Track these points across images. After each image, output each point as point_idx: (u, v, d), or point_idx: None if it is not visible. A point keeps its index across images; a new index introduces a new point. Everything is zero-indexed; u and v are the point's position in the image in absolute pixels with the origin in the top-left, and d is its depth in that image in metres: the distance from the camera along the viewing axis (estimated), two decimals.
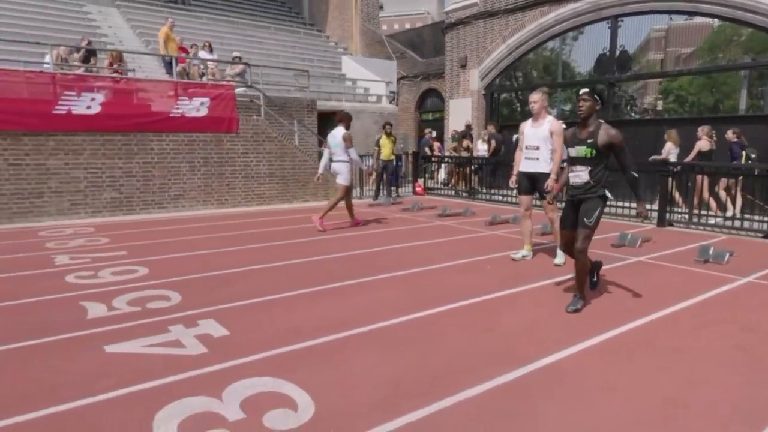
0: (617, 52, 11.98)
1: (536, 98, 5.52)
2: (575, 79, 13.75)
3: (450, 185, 13.30)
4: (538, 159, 5.60)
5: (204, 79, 11.72)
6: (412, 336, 3.52)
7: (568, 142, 4.14)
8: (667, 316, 3.95)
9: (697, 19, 11.53)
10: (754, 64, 10.60)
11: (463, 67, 15.35)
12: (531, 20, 13.40)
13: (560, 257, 5.53)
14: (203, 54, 12.51)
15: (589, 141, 3.96)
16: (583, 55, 13.17)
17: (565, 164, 4.48)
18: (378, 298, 4.37)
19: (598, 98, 4.00)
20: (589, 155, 3.97)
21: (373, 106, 15.82)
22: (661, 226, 8.34)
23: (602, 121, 4.09)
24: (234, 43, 16.56)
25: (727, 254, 5.83)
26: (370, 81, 16.56)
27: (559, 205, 5.84)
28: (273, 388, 2.73)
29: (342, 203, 8.08)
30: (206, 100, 9.98)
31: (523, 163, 5.75)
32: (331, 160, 7.93)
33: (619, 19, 11.77)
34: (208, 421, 2.41)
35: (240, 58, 12.85)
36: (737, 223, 7.72)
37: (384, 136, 11.69)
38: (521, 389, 2.75)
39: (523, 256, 5.88)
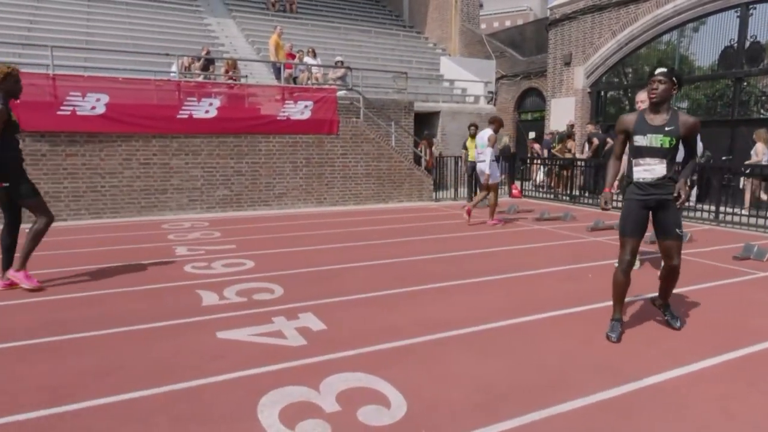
0: (747, 44, 10.78)
1: (644, 97, 5.10)
2: (694, 74, 12.58)
3: (550, 188, 12.80)
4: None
5: (309, 83, 12.31)
6: (511, 341, 3.46)
7: (635, 129, 3.48)
8: None
9: None
10: None
11: (567, 64, 14.68)
12: (645, 12, 12.49)
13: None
14: (308, 59, 13.14)
15: (667, 129, 3.39)
16: (705, 48, 12.01)
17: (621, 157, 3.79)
18: (477, 301, 4.34)
19: (675, 80, 3.44)
20: (667, 145, 3.39)
21: (470, 107, 15.65)
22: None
23: (677, 108, 3.60)
24: (337, 48, 17.21)
25: None
26: (467, 81, 16.40)
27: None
28: (367, 384, 2.82)
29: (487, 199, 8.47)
30: (310, 103, 10.48)
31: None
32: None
33: (751, 6, 10.59)
34: (306, 410, 2.55)
35: (342, 62, 13.32)
36: None
37: (470, 138, 11.54)
38: (622, 408, 2.60)
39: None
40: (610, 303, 4.26)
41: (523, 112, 18.26)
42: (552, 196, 12.16)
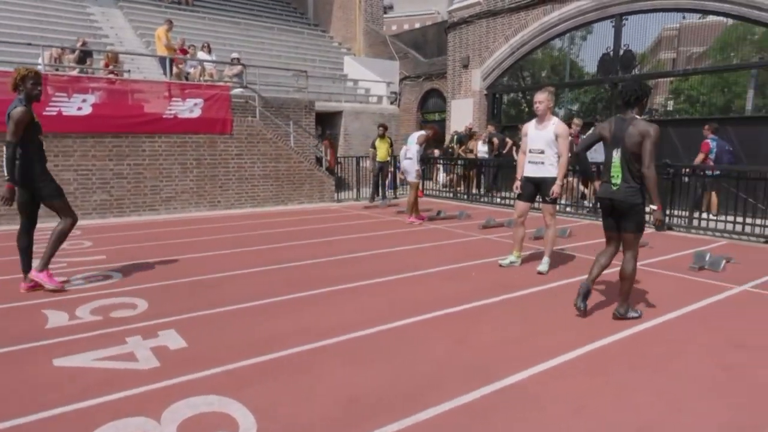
0: (621, 51, 11.70)
1: (542, 98, 5.22)
2: (583, 78, 13.48)
3: (450, 187, 13.11)
4: (542, 163, 5.28)
5: (202, 80, 11.64)
6: (388, 347, 3.36)
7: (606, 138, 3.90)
8: (652, 329, 3.74)
9: (710, 18, 11.23)
10: (762, 64, 10.29)
11: (466, 66, 15.14)
12: (534, 19, 13.16)
13: (544, 265, 5.31)
14: (201, 55, 12.44)
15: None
16: (590, 54, 12.90)
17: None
18: (358, 307, 4.21)
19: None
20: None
21: (373, 107, 15.67)
22: (660, 230, 8.07)
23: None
24: (237, 44, 16.51)
25: (723, 261, 5.59)
26: (371, 81, 16.41)
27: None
28: (218, 407, 2.58)
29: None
30: (200, 101, 9.89)
31: (527, 168, 5.40)
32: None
33: (624, 17, 11.51)
34: None
35: (238, 59, 12.76)
36: (738, 227, 7.45)
37: (379, 138, 11.56)
38: (482, 410, 2.57)
39: (511, 263, 5.67)
40: (490, 301, 4.33)
41: (427, 113, 18.63)
42: (452, 195, 12.46)
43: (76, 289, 4.70)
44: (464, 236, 7.49)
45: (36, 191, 4.41)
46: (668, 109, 12.84)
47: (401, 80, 18.66)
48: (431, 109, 18.30)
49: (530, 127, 5.39)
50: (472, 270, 5.48)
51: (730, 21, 10.83)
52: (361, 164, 12.31)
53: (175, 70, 11.06)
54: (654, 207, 3.75)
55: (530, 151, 5.35)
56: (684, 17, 11.46)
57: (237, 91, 11.42)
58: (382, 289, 4.74)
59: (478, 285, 4.89)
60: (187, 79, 11.50)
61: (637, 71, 11.86)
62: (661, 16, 11.26)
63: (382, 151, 11.69)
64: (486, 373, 2.97)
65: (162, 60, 11.70)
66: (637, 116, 3.80)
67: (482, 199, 11.93)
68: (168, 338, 3.48)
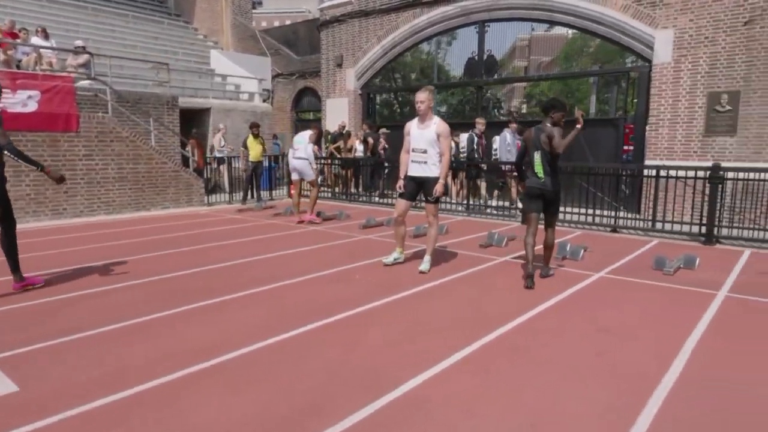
0: (485, 56, 12.41)
1: (423, 97, 5.19)
2: (450, 81, 14.10)
3: (327, 187, 12.92)
4: (425, 162, 5.26)
5: (38, 69, 10.07)
6: (267, 366, 3.03)
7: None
8: (528, 321, 3.88)
9: (555, 30, 12.37)
10: (601, 72, 11.57)
11: (339, 66, 15.04)
12: (404, 21, 13.45)
13: (426, 264, 5.35)
14: (36, 40, 10.77)
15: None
16: (457, 58, 13.52)
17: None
18: (236, 321, 3.81)
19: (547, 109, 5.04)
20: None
21: (244, 104, 14.91)
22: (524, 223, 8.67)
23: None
24: (83, 31, 14.70)
25: (582, 250, 6.10)
26: (241, 77, 15.60)
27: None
28: None
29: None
30: (36, 93, 8.52)
31: (411, 167, 5.37)
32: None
33: (486, 24, 12.21)
34: None
35: (83, 47, 11.28)
36: (589, 219, 8.26)
37: (251, 137, 11.02)
38: (377, 425, 2.40)
39: (395, 260, 5.65)
40: (376, 304, 4.19)
41: (301, 112, 18.25)
42: (330, 195, 12.27)
43: None
44: (346, 237, 7.34)
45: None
46: (523, 111, 13.95)
47: (274, 77, 18.04)
48: (306, 107, 17.96)
49: (412, 127, 5.37)
50: (357, 273, 5.33)
51: (570, 34, 12.07)
52: (233, 164, 11.61)
53: (1, 56, 9.43)
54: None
55: (413, 151, 5.34)
56: (533, 29, 12.51)
57: (84, 83, 10.07)
58: (264, 299, 4.39)
59: (364, 287, 4.75)
60: (18, 67, 9.88)
61: (497, 75, 12.69)
62: (519, 25, 12.14)
63: (255, 151, 11.17)
64: (376, 384, 2.82)
65: None
66: (548, 124, 4.85)
67: (360, 199, 11.92)
68: None
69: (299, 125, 17.95)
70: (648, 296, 4.57)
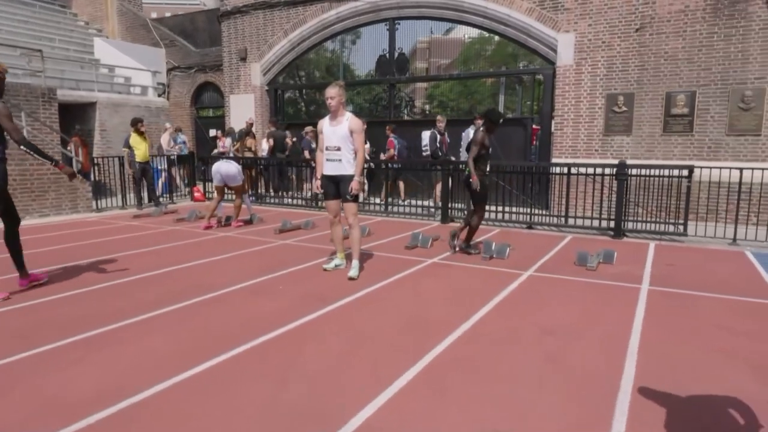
0: (396, 55, 12.29)
1: (333, 93, 4.88)
2: (357, 79, 13.81)
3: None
4: (340, 160, 4.98)
5: None
6: (176, 412, 2.49)
7: (489, 144, 6.00)
8: (473, 329, 3.67)
9: (453, 34, 12.54)
10: (510, 72, 11.91)
11: (243, 60, 14.17)
12: (312, 15, 12.94)
13: (354, 270, 5.01)
14: None
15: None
16: (365, 55, 13.26)
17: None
18: (137, 353, 3.17)
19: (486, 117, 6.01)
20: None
21: (137, 99, 13.56)
22: (445, 222, 8.63)
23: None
24: None
25: (508, 248, 6.09)
26: (132, 69, 14.17)
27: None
28: None
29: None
30: None
31: (326, 166, 5.09)
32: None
33: (397, 22, 12.08)
34: None
35: None
36: (507, 216, 8.38)
37: (135, 135, 9.99)
38: None
39: (336, 265, 5.29)
40: (305, 319, 3.78)
41: (202, 108, 17.02)
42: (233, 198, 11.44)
43: None
44: (261, 243, 6.76)
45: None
46: (426, 111, 14.06)
47: (169, 70, 16.63)
48: (207, 104, 16.75)
49: (324, 125, 5.08)
50: (279, 282, 4.83)
51: (468, 38, 12.34)
52: (125, 165, 10.42)
53: None
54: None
55: (327, 149, 5.06)
56: (432, 32, 12.59)
57: None
58: (172, 322, 3.76)
59: (290, 299, 4.28)
60: None
61: (409, 74, 12.63)
62: (425, 26, 12.14)
63: (142, 151, 10.14)
64: (320, 418, 2.42)
65: None
66: (481, 127, 6.00)
67: (271, 201, 11.27)
68: None
69: (200, 123, 16.73)
70: (580, 294, 4.57)
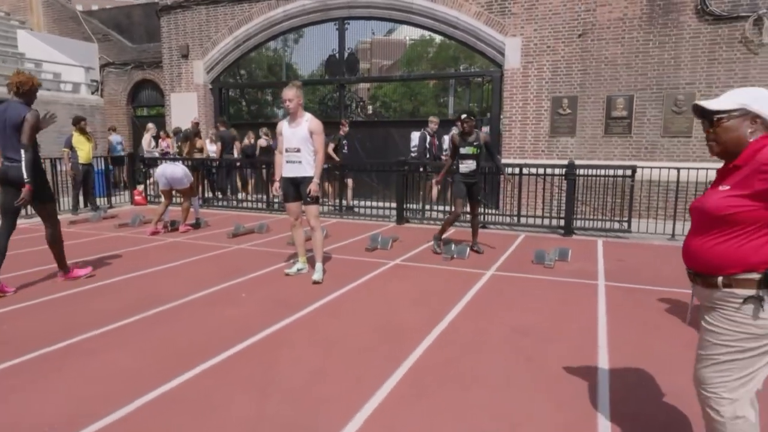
0: (346, 55, 12.19)
1: (290, 95, 4.78)
2: (303, 78, 13.57)
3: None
4: (300, 162, 4.89)
5: None
6: None
7: (459, 144, 6.01)
8: (445, 332, 3.66)
9: (394, 36, 12.63)
10: (462, 74, 12.09)
11: (185, 57, 13.59)
12: (259, 13, 12.60)
13: (318, 273, 4.91)
14: None
15: (474, 143, 5.98)
16: (311, 55, 13.06)
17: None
18: (101, 370, 2.92)
19: (474, 118, 6.03)
20: (476, 152, 6.00)
21: (68, 96, 12.69)
22: (401, 223, 8.64)
23: (477, 130, 6.03)
24: None
25: (468, 249, 6.16)
26: (62, 65, 13.25)
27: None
28: None
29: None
30: None
31: (285, 168, 4.98)
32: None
33: (346, 21, 11.98)
34: None
35: None
36: (461, 216, 8.48)
37: (77, 135, 9.39)
38: None
39: (299, 270, 5.18)
40: (274, 328, 3.64)
41: (140, 107, 16.19)
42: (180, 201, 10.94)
43: None
44: (214, 248, 6.48)
45: (40, 192, 4.54)
46: (369, 112, 14.07)
47: (103, 66, 15.70)
48: (146, 102, 15.94)
49: (284, 126, 5.00)
50: (241, 290, 4.64)
51: (409, 40, 12.46)
52: (59, 168, 9.73)
53: None
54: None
55: (286, 151, 4.97)
56: (374, 33, 12.61)
57: None
58: (133, 335, 3.51)
59: (255, 307, 4.12)
60: None
61: (360, 74, 12.56)
62: (380, 24, 12.12)
63: (85, 151, 9.55)
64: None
65: None
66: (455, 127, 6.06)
67: (219, 204, 10.88)
68: None
69: (137, 122, 15.90)
70: (542, 292, 4.69)
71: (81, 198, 9.91)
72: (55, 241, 4.84)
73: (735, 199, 1.62)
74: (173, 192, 7.66)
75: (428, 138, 9.95)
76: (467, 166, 6.03)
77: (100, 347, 3.31)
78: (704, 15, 8.86)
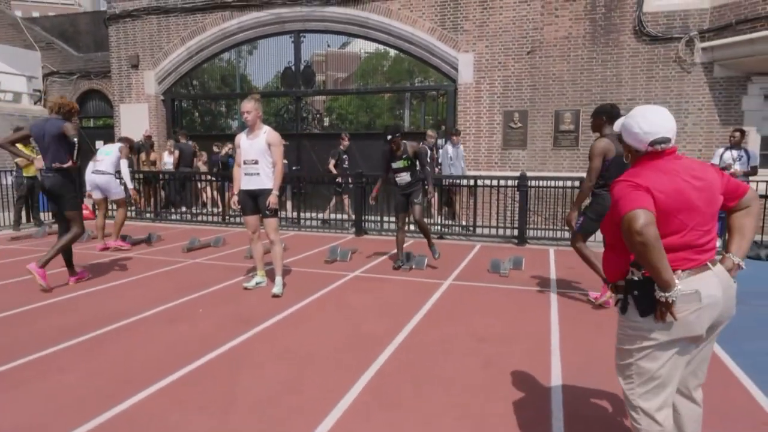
0: (302, 67, 12.21)
1: (249, 107, 4.77)
2: (259, 90, 13.46)
3: (131, 205, 11.19)
4: (258, 174, 4.87)
5: None
6: None
7: (390, 160, 5.97)
8: (409, 340, 3.73)
9: (348, 49, 12.77)
10: (416, 88, 12.32)
11: (135, 67, 13.23)
12: (212, 24, 12.45)
13: (278, 286, 4.89)
14: None
15: (404, 156, 5.90)
16: (264, 66, 13.01)
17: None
18: (50, 393, 2.80)
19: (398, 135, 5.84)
20: (407, 164, 5.92)
21: (9, 106, 12.12)
22: (359, 235, 8.69)
23: (405, 142, 5.95)
24: None
25: (425, 259, 6.27)
26: (1, 73, 12.63)
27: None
28: None
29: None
30: None
31: (244, 180, 4.95)
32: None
33: (302, 34, 12.02)
34: None
35: None
36: (412, 227, 8.62)
37: (20, 146, 8.93)
38: None
39: (258, 283, 5.13)
40: (233, 343, 3.60)
41: (86, 118, 15.59)
42: (134, 214, 10.63)
43: None
44: (169, 263, 6.32)
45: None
46: (325, 124, 14.14)
47: (46, 76, 15.06)
48: (93, 113, 15.37)
49: (242, 139, 4.99)
50: (198, 305, 4.55)
51: (364, 53, 12.64)
52: (5, 181, 9.25)
53: None
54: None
55: (245, 163, 4.94)
56: (329, 45, 12.72)
57: None
58: (84, 355, 3.38)
59: (213, 323, 4.05)
60: None
61: (316, 87, 12.60)
62: (335, 38, 12.22)
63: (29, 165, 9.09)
64: None
65: None
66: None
67: (172, 217, 10.61)
68: None
69: (84, 134, 15.28)
70: (498, 300, 4.84)
71: (23, 213, 9.44)
72: (69, 242, 5.20)
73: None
74: (108, 201, 7.53)
75: (428, 152, 10.10)
76: (402, 178, 5.97)
77: (50, 368, 3.18)
78: (642, 35, 9.44)
